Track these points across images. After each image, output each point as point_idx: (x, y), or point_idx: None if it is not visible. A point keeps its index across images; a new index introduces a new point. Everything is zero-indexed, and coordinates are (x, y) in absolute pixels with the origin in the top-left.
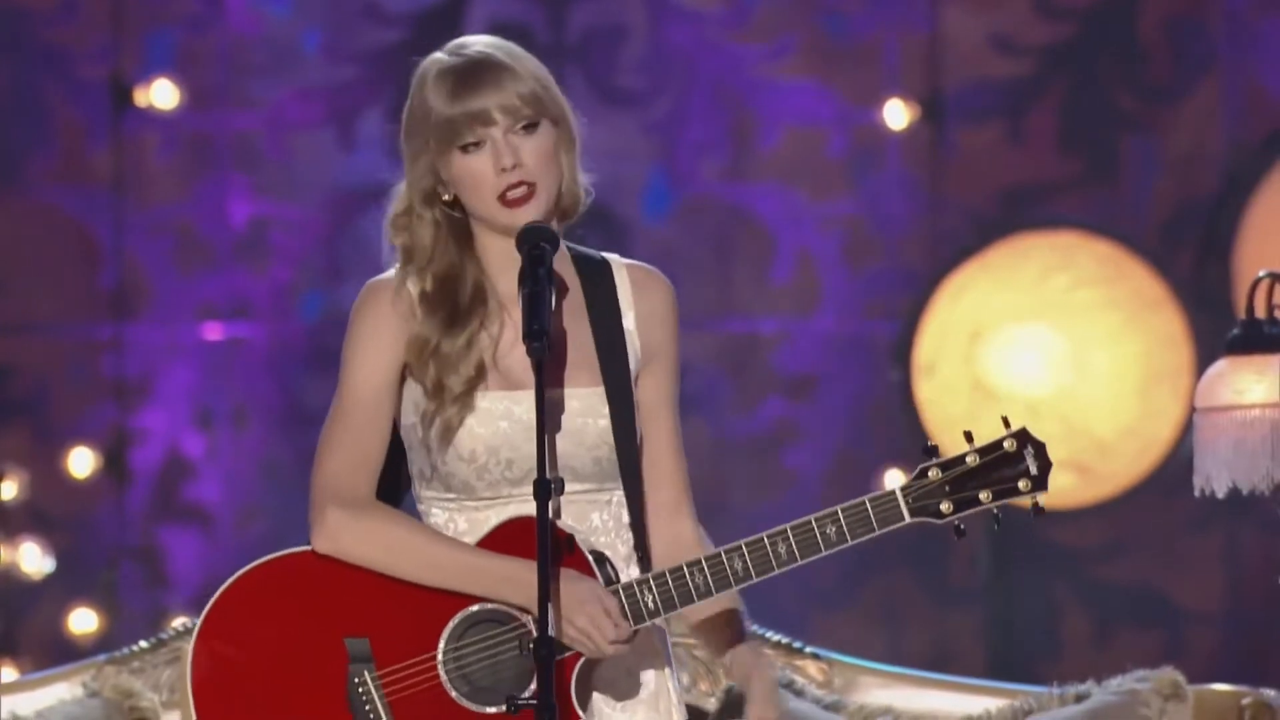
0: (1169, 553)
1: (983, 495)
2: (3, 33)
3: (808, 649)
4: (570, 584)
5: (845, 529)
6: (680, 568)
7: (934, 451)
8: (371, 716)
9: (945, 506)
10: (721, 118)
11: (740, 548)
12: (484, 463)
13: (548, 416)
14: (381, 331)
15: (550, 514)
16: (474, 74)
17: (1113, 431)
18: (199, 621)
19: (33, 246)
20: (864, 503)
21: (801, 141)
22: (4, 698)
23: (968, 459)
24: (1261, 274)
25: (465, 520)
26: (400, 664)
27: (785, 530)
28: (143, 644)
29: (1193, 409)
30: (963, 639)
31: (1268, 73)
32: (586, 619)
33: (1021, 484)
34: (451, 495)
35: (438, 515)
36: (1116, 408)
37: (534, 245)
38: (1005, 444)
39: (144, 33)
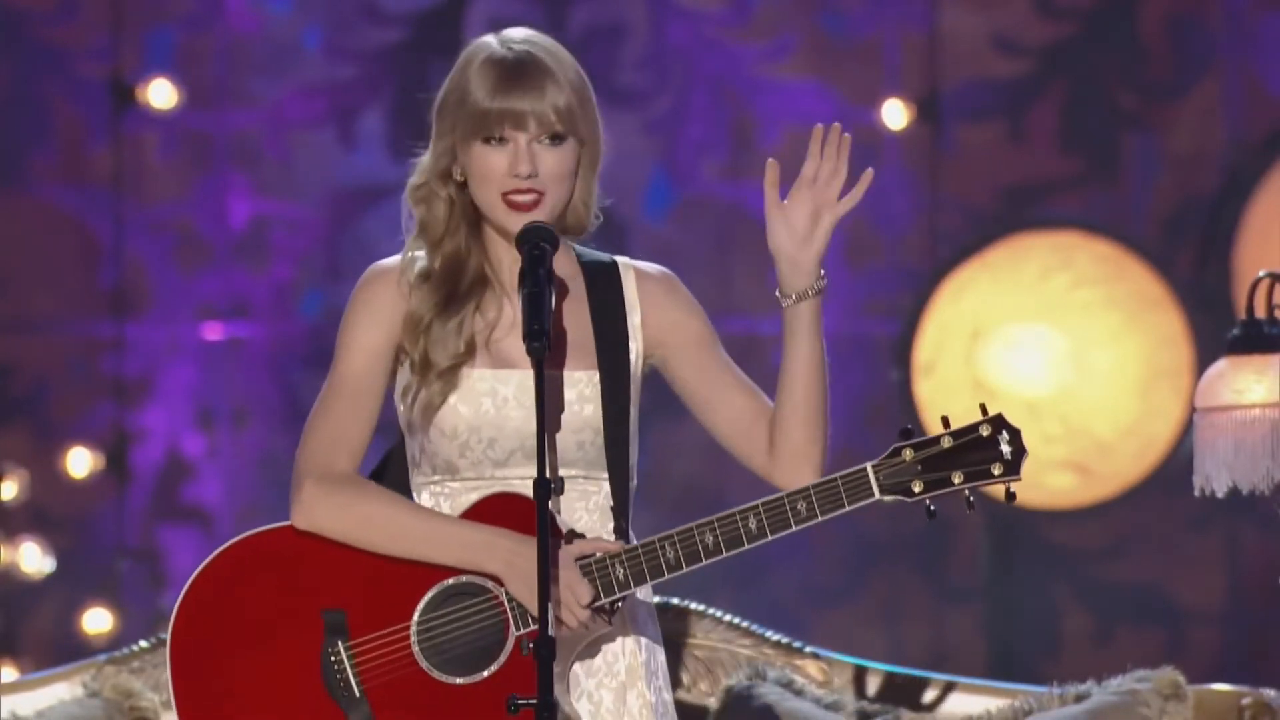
0: (1169, 553)
1: (955, 477)
2: (3, 32)
3: (808, 649)
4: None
5: (815, 505)
6: (652, 542)
7: (910, 433)
8: (343, 687)
9: (917, 486)
10: (721, 117)
11: (712, 523)
12: (465, 440)
13: (534, 396)
14: (378, 315)
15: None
16: (519, 72)
17: (1113, 431)
18: (182, 593)
19: (33, 245)
20: (835, 479)
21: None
22: (4, 698)
23: (942, 441)
24: (1261, 274)
25: (449, 505)
26: (373, 635)
27: (757, 506)
28: (143, 644)
29: (1193, 409)
30: (963, 639)
31: (1268, 71)
32: (566, 613)
33: (995, 468)
34: (437, 477)
35: (425, 500)
36: (1116, 408)
37: (534, 245)
38: (981, 428)
39: (144, 31)
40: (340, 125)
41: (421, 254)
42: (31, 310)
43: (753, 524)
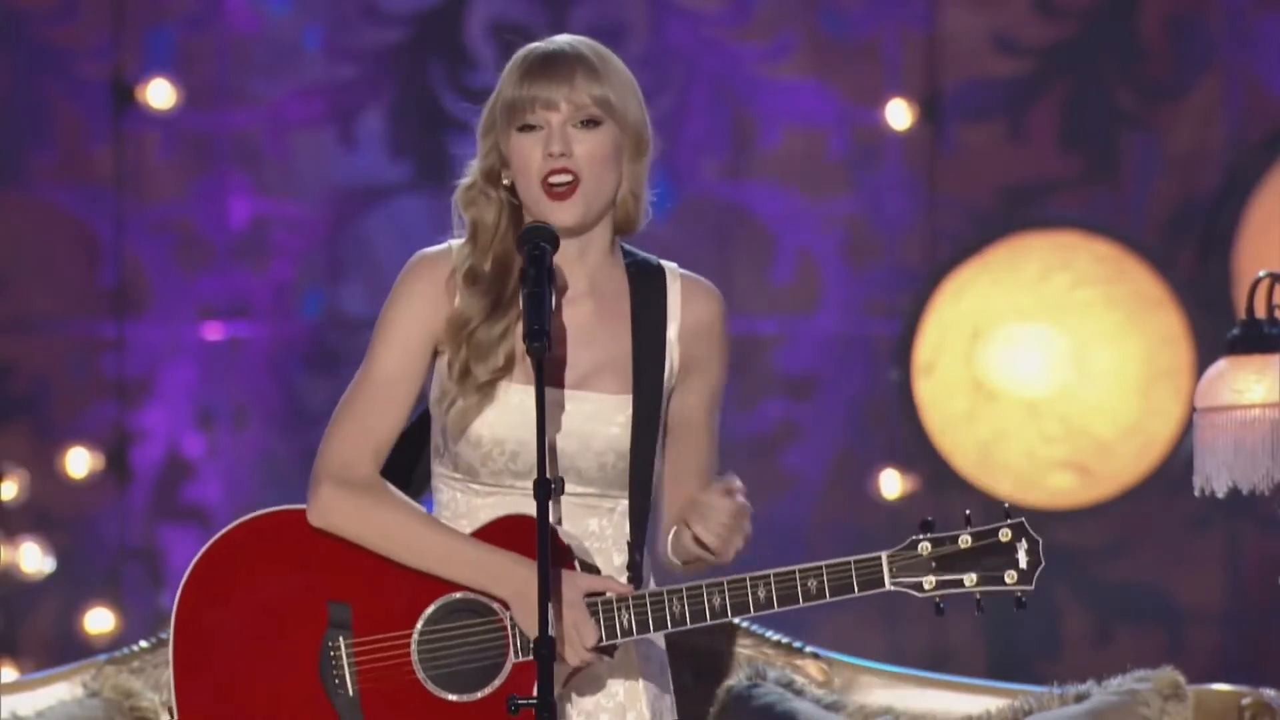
0: (1169, 553)
1: (967, 579)
2: (3, 32)
3: (808, 649)
4: (562, 606)
5: (826, 585)
6: (660, 593)
7: (930, 526)
8: (338, 682)
9: (928, 582)
10: (721, 117)
11: (722, 585)
12: (489, 450)
13: (562, 415)
14: (422, 310)
15: (550, 515)
16: (554, 62)
17: (1113, 431)
18: (192, 563)
19: (33, 245)
20: (848, 563)
21: (801, 141)
22: (4, 698)
23: (960, 540)
24: (1261, 274)
25: (466, 503)
26: (376, 636)
27: (768, 576)
28: (143, 644)
29: (1193, 409)
30: (963, 639)
31: (1269, 71)
32: (568, 650)
33: (1008, 576)
34: (458, 475)
35: (443, 492)
36: (1117, 407)
37: (534, 245)
38: (1000, 533)
39: (144, 31)
40: (340, 125)
41: (469, 250)
42: (31, 310)
43: (761, 593)
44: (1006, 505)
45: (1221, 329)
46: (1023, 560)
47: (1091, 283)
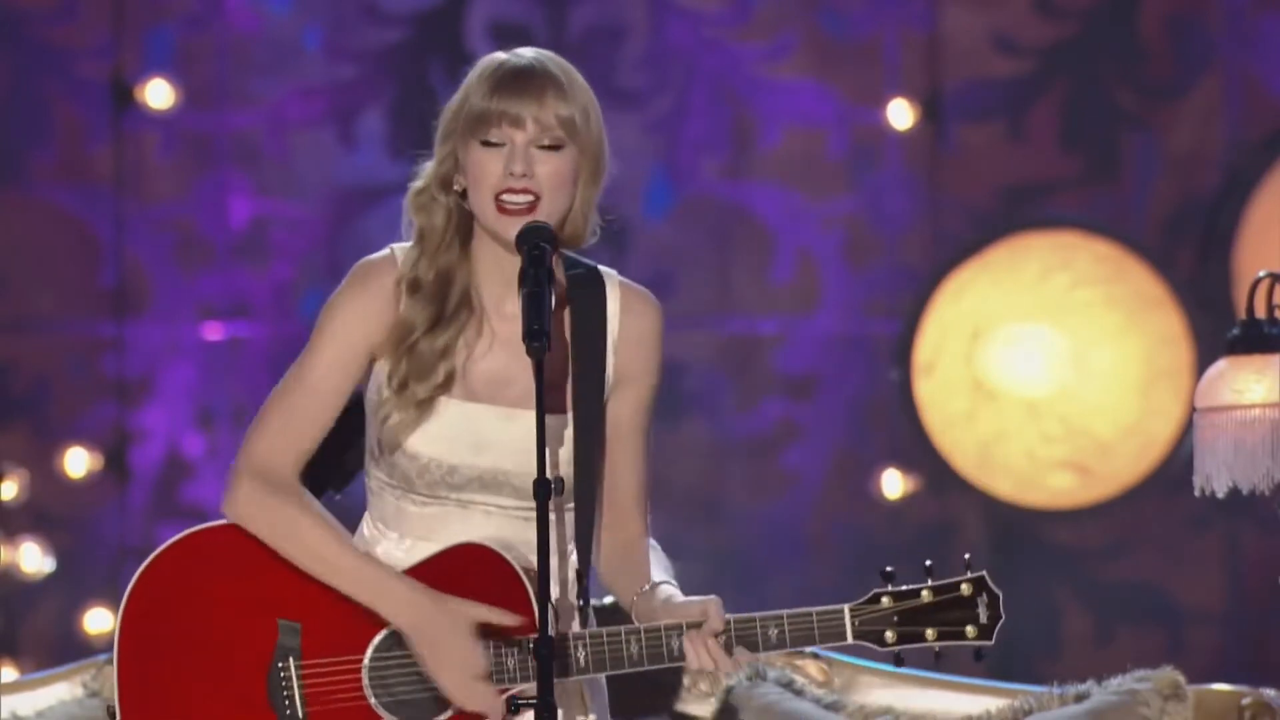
0: (1169, 553)
1: (928, 633)
2: (3, 32)
3: (808, 649)
4: (455, 638)
5: (786, 634)
6: (619, 633)
7: (891, 577)
8: (287, 704)
9: (890, 635)
10: (721, 117)
11: (680, 627)
12: (425, 464)
13: (503, 434)
14: (363, 317)
15: (492, 535)
16: (523, 77)
17: (1113, 431)
18: (138, 572)
19: (33, 245)
20: (810, 614)
21: (801, 141)
22: (4, 698)
23: (922, 594)
24: (1261, 274)
25: (398, 508)
26: (326, 659)
27: (729, 622)
28: None
29: (1193, 409)
30: None
31: (1269, 71)
32: (457, 681)
33: (969, 630)
34: (394, 482)
35: (375, 493)
36: (1117, 407)
37: (534, 245)
38: (962, 587)
39: (144, 31)
40: (340, 125)
41: (414, 256)
42: (31, 310)
43: (722, 639)
44: (966, 556)
45: (1221, 329)
46: (983, 615)
47: (1091, 283)
